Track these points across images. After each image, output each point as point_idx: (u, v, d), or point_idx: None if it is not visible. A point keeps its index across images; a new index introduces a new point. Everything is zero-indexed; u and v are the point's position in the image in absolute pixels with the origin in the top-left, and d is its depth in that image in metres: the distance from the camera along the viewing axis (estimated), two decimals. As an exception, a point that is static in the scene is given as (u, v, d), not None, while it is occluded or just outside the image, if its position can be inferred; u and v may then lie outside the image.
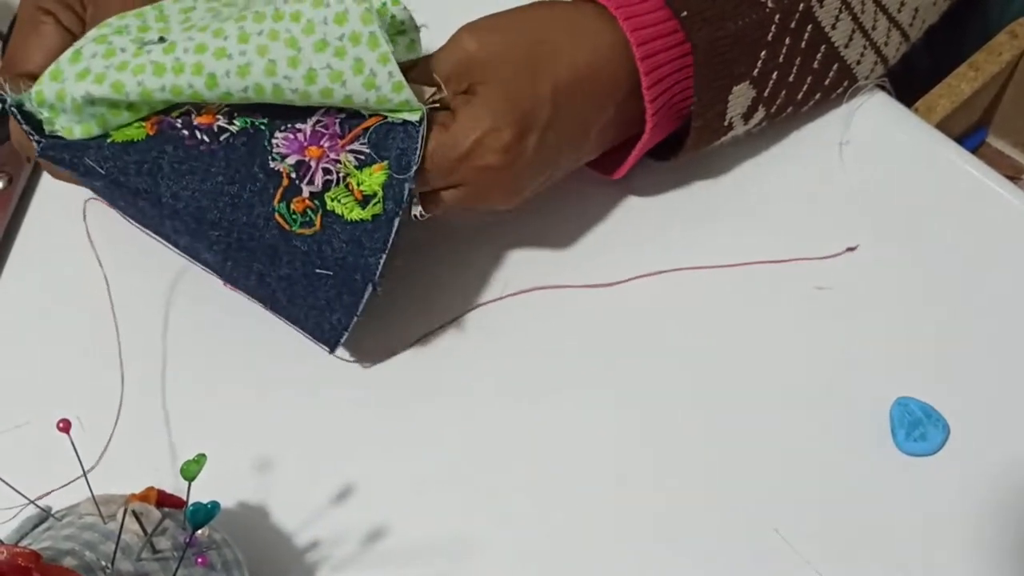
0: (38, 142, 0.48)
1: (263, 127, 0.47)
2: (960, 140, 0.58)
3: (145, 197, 0.47)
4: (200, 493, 0.40)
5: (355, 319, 0.48)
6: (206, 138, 0.47)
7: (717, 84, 0.49)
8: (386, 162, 0.46)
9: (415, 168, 0.45)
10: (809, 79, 0.53)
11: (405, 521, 0.49)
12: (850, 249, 0.53)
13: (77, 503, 0.43)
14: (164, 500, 0.43)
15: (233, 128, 0.47)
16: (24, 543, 0.41)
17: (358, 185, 0.46)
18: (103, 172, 0.47)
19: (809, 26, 0.51)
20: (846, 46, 0.53)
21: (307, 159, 0.46)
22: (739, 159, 0.56)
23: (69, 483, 0.47)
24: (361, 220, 0.46)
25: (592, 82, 0.48)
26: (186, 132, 0.47)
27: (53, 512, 0.43)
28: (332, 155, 0.46)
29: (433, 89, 0.46)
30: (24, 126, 0.48)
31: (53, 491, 0.49)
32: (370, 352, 0.53)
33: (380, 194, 0.46)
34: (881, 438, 0.49)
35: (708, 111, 0.50)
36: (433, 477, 0.50)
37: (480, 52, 0.47)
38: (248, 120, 0.47)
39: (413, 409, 0.52)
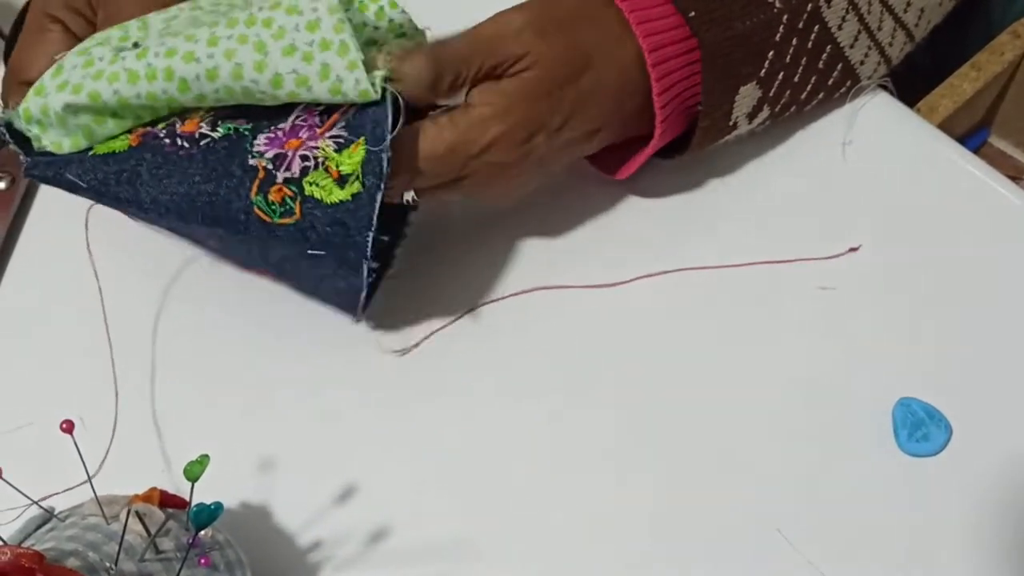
0: (24, 161, 0.48)
1: (246, 132, 0.46)
2: (962, 140, 0.58)
3: (128, 204, 0.47)
4: (203, 494, 0.40)
5: (365, 287, 0.47)
6: (186, 144, 0.46)
7: (724, 84, 0.49)
8: (362, 138, 0.44)
9: (389, 138, 0.44)
10: (813, 79, 0.53)
11: (407, 521, 0.49)
12: (852, 249, 0.53)
13: (80, 504, 0.43)
14: (167, 501, 0.43)
15: (216, 135, 0.46)
16: (28, 544, 0.41)
17: (336, 167, 0.44)
18: (85, 185, 0.47)
19: (816, 26, 0.51)
20: (851, 46, 0.53)
21: (286, 151, 0.45)
22: (741, 159, 0.56)
23: (73, 487, 0.47)
24: (341, 201, 0.44)
25: (610, 98, 0.48)
26: (167, 140, 0.46)
27: (56, 513, 0.43)
28: (311, 143, 0.45)
29: (383, 57, 0.45)
30: (12, 145, 0.48)
31: (57, 494, 0.49)
32: (371, 352, 0.53)
33: (359, 171, 0.44)
34: (883, 438, 0.49)
35: (715, 111, 0.50)
36: (435, 477, 0.50)
37: (524, 44, 0.46)
38: (231, 127, 0.46)
39: (414, 410, 0.52)
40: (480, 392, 0.52)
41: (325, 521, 0.49)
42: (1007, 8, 0.70)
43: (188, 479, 0.39)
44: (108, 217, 0.57)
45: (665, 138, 0.51)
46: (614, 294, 0.54)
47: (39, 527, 0.43)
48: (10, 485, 0.40)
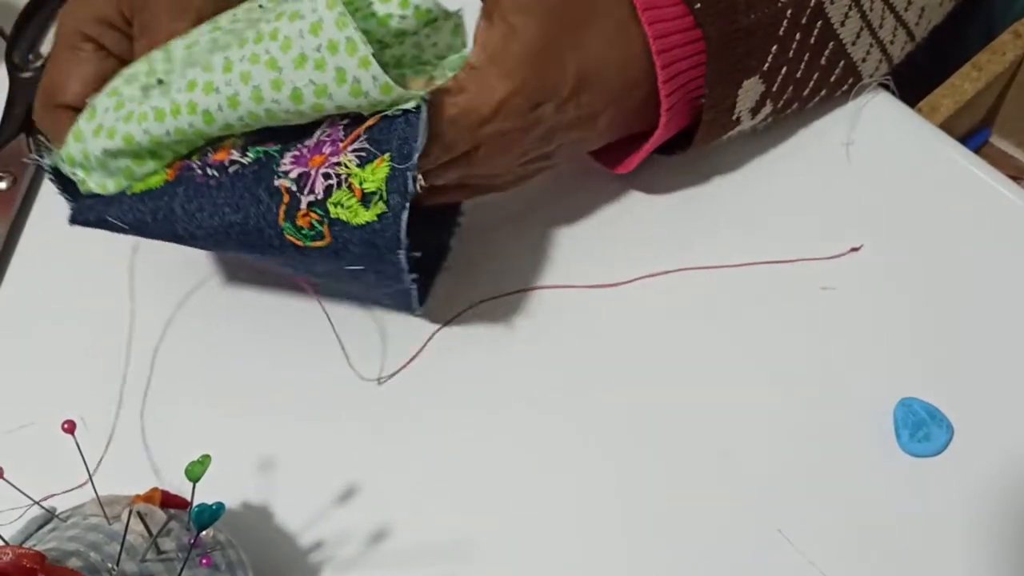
0: (70, 208, 0.48)
1: (275, 153, 0.45)
2: (963, 140, 0.58)
3: (168, 238, 0.47)
4: (204, 494, 0.40)
5: (414, 292, 0.47)
6: (216, 173, 0.46)
7: (728, 77, 0.49)
8: (388, 154, 0.43)
9: (416, 156, 0.43)
10: (816, 75, 0.53)
11: (408, 521, 0.49)
12: (854, 249, 0.53)
13: (82, 504, 0.43)
14: (168, 501, 0.43)
15: (245, 160, 0.46)
16: (29, 544, 0.41)
17: (360, 184, 0.44)
18: (126, 227, 0.47)
19: (819, 22, 0.51)
20: (853, 43, 0.53)
21: (309, 169, 0.45)
22: (742, 159, 0.56)
23: (74, 488, 0.47)
24: (367, 223, 0.44)
25: (611, 72, 0.48)
26: (199, 172, 0.46)
27: (57, 513, 0.43)
28: (333, 159, 0.44)
29: (423, 80, 0.45)
30: (60, 192, 0.48)
31: (58, 494, 0.49)
32: (371, 353, 0.53)
33: (383, 189, 0.43)
34: (885, 439, 0.49)
35: (719, 104, 0.50)
36: (435, 478, 0.50)
37: (513, 13, 0.46)
38: (261, 150, 0.46)
39: (415, 410, 0.52)
40: (480, 392, 0.52)
41: (326, 521, 0.49)
42: (1008, 7, 0.70)
43: (189, 479, 0.39)
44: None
45: (670, 129, 0.51)
46: (614, 294, 0.54)
47: (40, 527, 0.43)
48: (11, 485, 0.40)
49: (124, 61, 0.49)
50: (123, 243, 0.58)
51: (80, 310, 0.56)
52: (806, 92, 0.53)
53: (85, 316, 0.56)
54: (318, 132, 0.45)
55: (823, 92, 0.54)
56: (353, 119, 0.45)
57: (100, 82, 0.49)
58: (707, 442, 0.49)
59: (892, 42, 0.54)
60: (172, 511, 0.42)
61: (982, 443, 0.48)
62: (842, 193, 0.55)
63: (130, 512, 0.41)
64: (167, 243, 0.55)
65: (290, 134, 0.46)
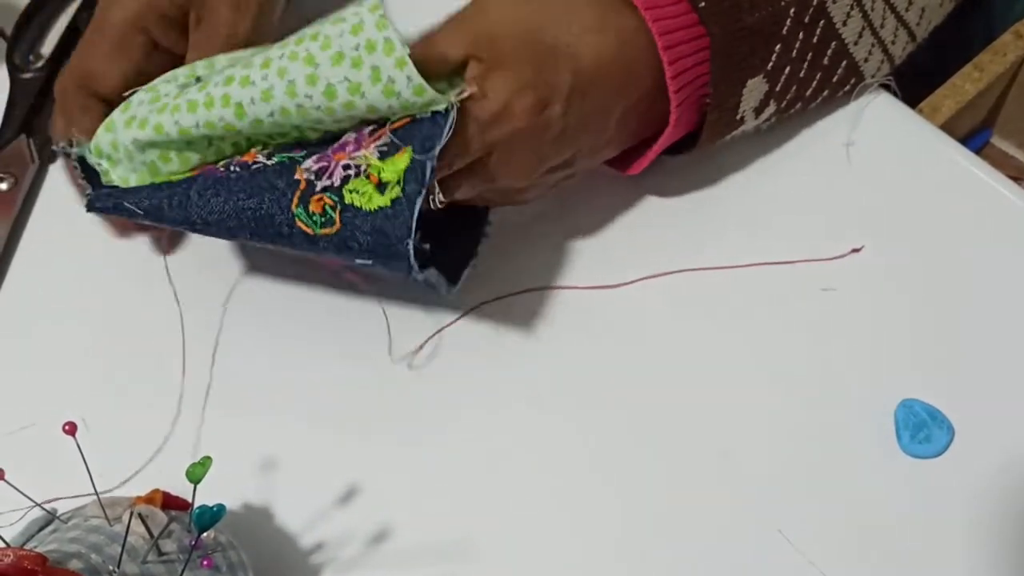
0: (87, 195, 0.49)
1: (300, 158, 0.46)
2: (964, 141, 0.58)
3: (181, 224, 0.47)
4: (205, 496, 0.40)
5: (440, 282, 0.47)
6: (238, 169, 0.46)
7: (732, 76, 0.49)
8: (409, 147, 0.44)
9: (439, 148, 0.43)
10: (818, 75, 0.53)
11: (410, 523, 0.49)
12: (855, 250, 0.53)
13: (83, 505, 0.43)
14: (170, 503, 0.43)
15: (270, 163, 0.46)
16: (30, 546, 0.41)
17: (378, 174, 0.44)
18: (141, 212, 0.48)
19: (822, 21, 0.51)
20: (855, 43, 0.53)
21: (330, 163, 0.45)
22: (743, 160, 0.56)
23: (78, 496, 0.47)
24: (380, 208, 0.44)
25: (615, 70, 0.48)
26: (222, 169, 0.47)
27: (59, 514, 0.43)
28: (355, 154, 0.45)
29: (459, 90, 0.45)
30: (82, 180, 0.49)
31: (61, 498, 0.49)
32: (373, 354, 0.53)
33: (400, 177, 0.44)
34: (886, 440, 0.49)
35: (724, 103, 0.50)
36: (436, 479, 0.50)
37: (501, 25, 0.46)
38: (285, 156, 0.46)
39: (415, 411, 0.52)
40: (481, 392, 0.52)
41: (327, 522, 0.49)
42: (1009, 8, 0.70)
43: (190, 481, 0.39)
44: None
45: (680, 129, 0.51)
46: (615, 295, 0.54)
47: (41, 529, 0.43)
48: (12, 487, 0.40)
49: (172, 56, 0.49)
50: (123, 244, 0.58)
51: (81, 311, 0.56)
52: (809, 92, 0.53)
53: (86, 317, 0.56)
54: (344, 136, 0.46)
55: (825, 92, 0.54)
56: (380, 124, 0.45)
57: (142, 79, 0.49)
58: (708, 442, 0.49)
59: (894, 42, 0.54)
60: (173, 513, 0.43)
61: (983, 444, 0.48)
62: (843, 194, 0.55)
63: (131, 514, 0.41)
64: (167, 243, 0.56)
65: (316, 145, 0.46)
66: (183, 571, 0.40)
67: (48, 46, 0.66)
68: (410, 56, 0.43)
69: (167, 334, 0.55)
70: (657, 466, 0.49)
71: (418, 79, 0.43)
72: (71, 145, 0.49)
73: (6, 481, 0.40)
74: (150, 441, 0.52)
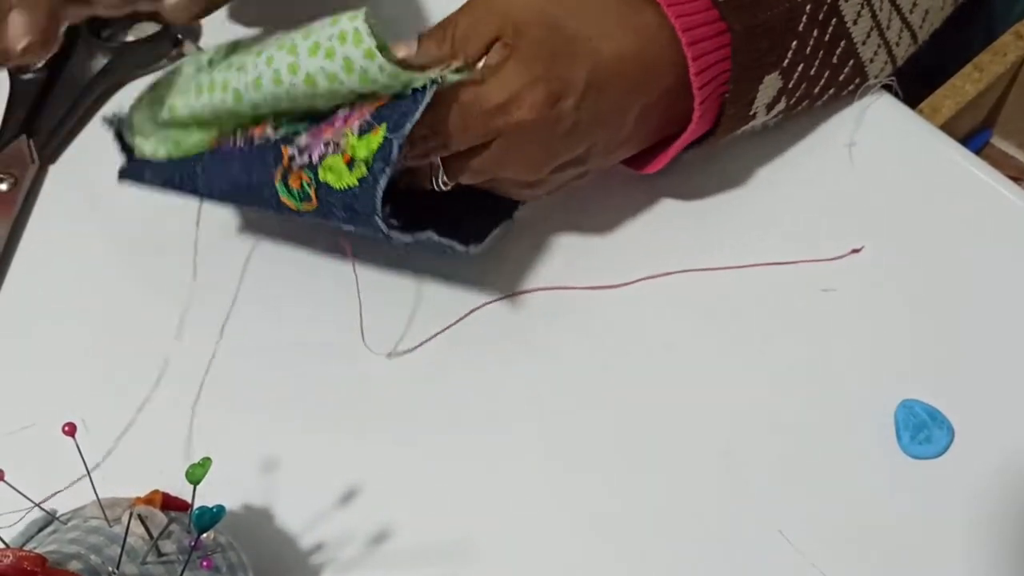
0: (121, 166, 0.53)
1: (302, 130, 0.47)
2: (964, 141, 0.58)
3: (193, 194, 0.51)
4: (205, 496, 0.40)
5: (401, 239, 0.47)
6: (243, 144, 0.48)
7: (751, 72, 0.49)
8: (384, 125, 0.44)
9: (409, 126, 0.44)
10: (827, 73, 0.53)
11: (410, 523, 0.49)
12: (855, 251, 0.53)
13: (82, 506, 0.43)
14: (169, 503, 0.43)
15: (275, 136, 0.47)
16: (29, 547, 0.41)
17: (351, 151, 0.45)
18: (159, 184, 0.51)
19: (834, 19, 0.51)
20: (863, 43, 0.53)
21: (316, 139, 0.46)
22: (744, 161, 0.56)
23: (73, 483, 0.47)
24: (349, 187, 0.45)
25: (635, 67, 0.48)
26: (231, 142, 0.48)
27: (58, 515, 0.43)
28: (339, 130, 0.45)
29: (445, 68, 0.45)
30: (121, 152, 0.53)
31: (58, 492, 0.49)
32: (373, 354, 0.53)
33: (371, 155, 0.44)
34: (885, 440, 0.49)
35: (741, 99, 0.50)
36: (436, 479, 0.50)
37: (527, 11, 0.46)
38: (291, 128, 0.47)
39: (415, 411, 0.52)
40: (482, 393, 0.52)
41: (327, 523, 0.49)
42: (1009, 9, 0.70)
43: (190, 482, 0.39)
44: (120, 218, 0.57)
45: (702, 125, 0.50)
46: (616, 295, 0.54)
47: (41, 530, 0.43)
48: (12, 488, 0.40)
49: None
50: (122, 244, 0.58)
51: (80, 311, 0.56)
52: (816, 90, 0.53)
53: (85, 317, 0.56)
54: (341, 110, 0.46)
55: (831, 91, 0.54)
56: (372, 98, 0.46)
57: None
58: (708, 443, 0.49)
59: (898, 44, 0.54)
60: (173, 513, 0.42)
61: (983, 445, 0.48)
62: (843, 194, 0.55)
63: (131, 514, 0.41)
64: (167, 244, 0.56)
65: (320, 114, 0.47)
66: (183, 572, 0.40)
67: (48, 47, 0.66)
68: (430, 34, 0.45)
69: (167, 334, 0.55)
70: (657, 466, 0.49)
71: (389, 67, 0.43)
72: (112, 122, 0.53)
73: (6, 482, 0.40)
74: (150, 442, 0.52)
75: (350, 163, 0.45)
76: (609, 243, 0.55)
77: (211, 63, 0.49)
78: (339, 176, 0.45)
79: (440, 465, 0.50)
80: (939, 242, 0.53)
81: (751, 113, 0.51)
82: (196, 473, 0.39)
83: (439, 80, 0.44)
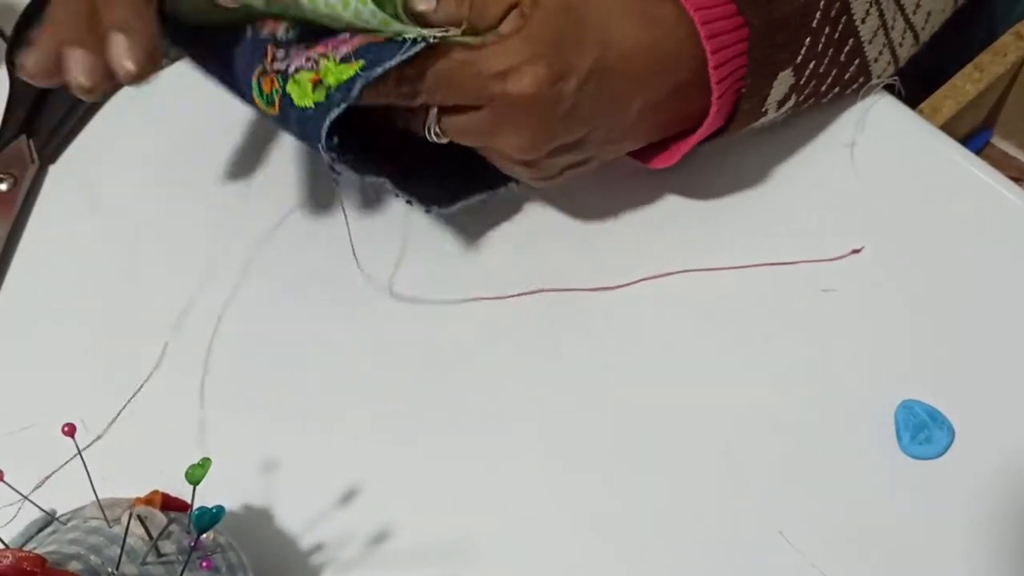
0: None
1: (302, 40, 0.46)
2: (965, 141, 0.58)
3: (204, 68, 0.51)
4: (205, 497, 0.40)
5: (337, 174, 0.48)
6: (249, 33, 0.48)
7: (767, 69, 0.49)
8: (362, 61, 0.44)
9: (379, 71, 0.44)
10: (834, 72, 0.52)
11: (410, 524, 0.49)
12: (855, 251, 0.53)
13: (82, 507, 0.43)
14: (169, 504, 0.43)
15: (280, 36, 0.47)
16: (29, 547, 0.41)
17: (323, 74, 0.44)
18: (187, 54, 0.51)
19: (844, 17, 0.50)
20: (870, 42, 0.52)
21: (302, 52, 0.46)
22: (744, 161, 0.56)
23: (64, 466, 0.47)
24: (305, 107, 0.45)
25: (646, 60, 0.47)
26: (247, 30, 0.48)
27: (58, 516, 0.43)
28: (326, 51, 0.45)
29: (443, 30, 0.45)
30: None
31: (48, 478, 0.49)
32: (371, 355, 0.53)
33: (338, 85, 0.44)
34: (886, 441, 0.49)
35: (756, 94, 0.50)
36: (436, 479, 0.50)
37: None
38: (297, 33, 0.47)
39: (415, 411, 0.52)
40: (481, 393, 0.52)
41: (327, 523, 0.49)
42: (1010, 9, 0.70)
43: (190, 482, 0.39)
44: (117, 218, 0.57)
45: (718, 119, 0.50)
46: (616, 295, 0.54)
47: (40, 530, 0.43)
48: (11, 488, 0.40)
49: None
50: (122, 245, 0.58)
51: (80, 311, 0.56)
52: (824, 88, 0.53)
53: (85, 317, 0.56)
54: (343, 34, 0.46)
55: (836, 89, 0.54)
56: (370, 34, 0.46)
57: None
58: (708, 443, 0.49)
59: (901, 44, 0.54)
60: (172, 514, 0.42)
61: (983, 445, 0.48)
62: (843, 195, 0.55)
63: (130, 515, 0.41)
64: (167, 244, 0.56)
65: (328, 31, 0.47)
66: (182, 572, 0.40)
67: (48, 47, 0.66)
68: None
69: (166, 335, 0.55)
70: (657, 467, 0.49)
71: (380, 14, 0.43)
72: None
73: (5, 482, 0.40)
74: (149, 442, 0.52)
75: (316, 84, 0.44)
76: (609, 243, 0.55)
77: None
78: (303, 94, 0.45)
79: (440, 465, 0.50)
80: (939, 242, 0.53)
81: (763, 110, 0.51)
82: (196, 474, 0.39)
83: (430, 40, 0.44)
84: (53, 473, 0.48)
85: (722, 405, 0.50)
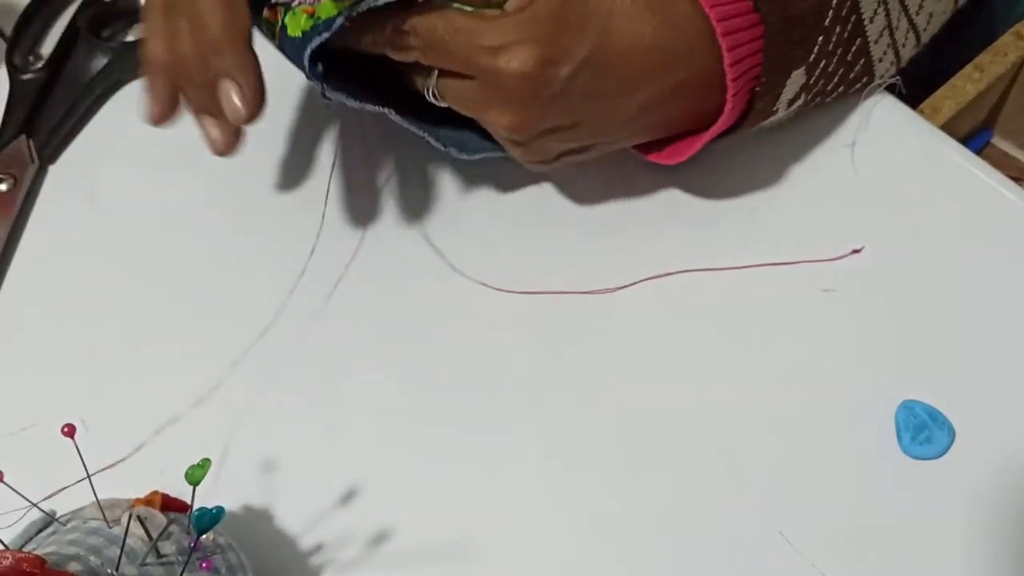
0: None
1: None
2: (965, 141, 0.58)
3: None
4: (205, 498, 0.40)
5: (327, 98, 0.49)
6: None
7: (781, 66, 0.49)
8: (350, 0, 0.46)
9: (359, 11, 0.45)
10: (841, 71, 0.52)
11: (410, 524, 0.49)
12: (855, 251, 0.53)
13: (81, 507, 0.43)
14: (169, 504, 0.43)
15: None
16: (29, 548, 0.41)
17: (317, 8, 0.46)
18: None
19: (853, 16, 0.50)
20: (875, 42, 0.52)
21: None
22: (744, 161, 0.56)
23: (71, 485, 0.47)
24: (294, 36, 0.47)
25: (653, 55, 0.47)
26: None
27: (57, 517, 0.43)
28: None
29: None
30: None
31: (57, 492, 0.49)
32: (370, 356, 0.53)
33: (322, 18, 0.46)
34: (886, 441, 0.49)
35: (770, 93, 0.49)
36: (436, 480, 0.50)
37: None
38: None
39: (415, 412, 0.52)
40: (481, 393, 0.52)
41: (327, 524, 0.49)
42: (1010, 9, 0.70)
43: (190, 483, 0.39)
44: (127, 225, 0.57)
45: (731, 118, 0.50)
46: (616, 296, 0.54)
47: (40, 531, 0.43)
48: (11, 489, 0.40)
49: None
50: (122, 244, 0.58)
51: (80, 311, 0.56)
52: (830, 87, 0.53)
53: (85, 317, 0.56)
54: None
55: (841, 88, 0.53)
56: None
57: None
58: (708, 443, 0.49)
59: (904, 44, 0.54)
60: (172, 515, 0.42)
61: (984, 446, 0.48)
62: (843, 195, 0.55)
63: (130, 516, 0.41)
64: (167, 244, 0.56)
65: None
66: (182, 573, 0.40)
67: (48, 47, 0.66)
68: None
69: (166, 335, 0.55)
70: (657, 467, 0.49)
71: None
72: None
73: (5, 483, 0.39)
74: (149, 443, 0.52)
75: (309, 16, 0.46)
76: (609, 245, 0.55)
77: None
78: (296, 24, 0.47)
79: (440, 465, 0.50)
80: (939, 242, 0.53)
81: (774, 108, 0.51)
82: (195, 474, 0.39)
83: None
84: (64, 488, 0.48)
85: (722, 405, 0.50)
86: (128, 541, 0.40)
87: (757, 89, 0.49)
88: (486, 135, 0.53)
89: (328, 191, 0.58)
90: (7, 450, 0.52)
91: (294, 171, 0.59)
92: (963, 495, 0.47)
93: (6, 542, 0.40)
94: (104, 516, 0.41)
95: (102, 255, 0.58)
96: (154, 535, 0.41)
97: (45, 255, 0.59)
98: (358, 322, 0.54)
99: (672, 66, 0.48)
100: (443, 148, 0.53)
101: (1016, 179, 0.55)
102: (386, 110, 0.50)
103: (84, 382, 0.54)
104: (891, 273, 0.53)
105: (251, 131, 0.58)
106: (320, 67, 0.47)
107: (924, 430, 0.48)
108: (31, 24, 0.67)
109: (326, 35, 0.46)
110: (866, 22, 0.51)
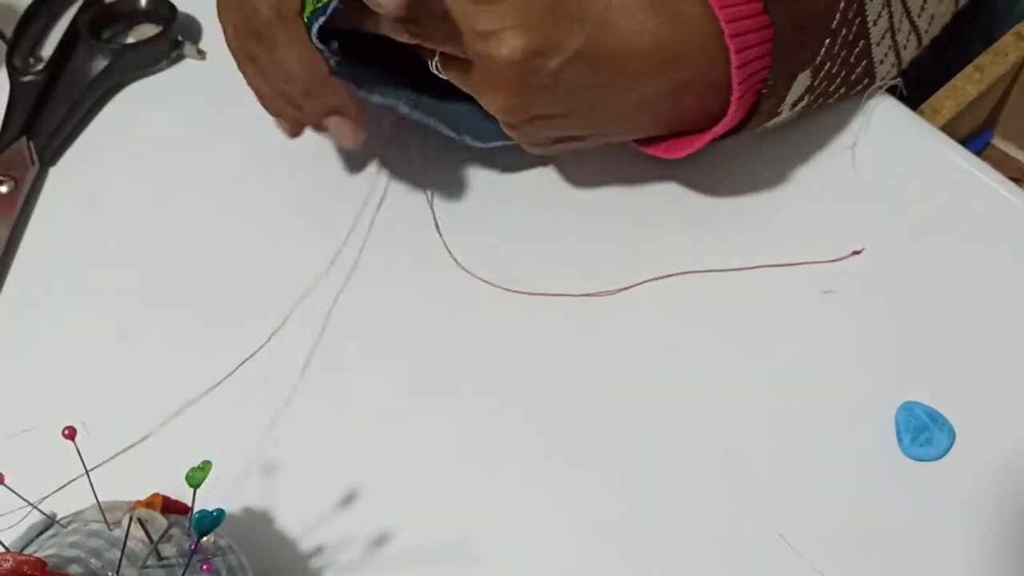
0: None
1: None
2: (965, 142, 0.58)
3: None
4: (205, 500, 0.40)
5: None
6: None
7: (788, 68, 0.49)
8: None
9: None
10: (843, 73, 0.52)
11: (410, 525, 0.49)
12: (856, 252, 0.53)
13: (82, 510, 0.43)
14: (169, 507, 0.43)
15: None
16: (29, 550, 0.41)
17: None
18: None
19: (858, 19, 0.50)
20: (878, 44, 0.52)
21: None
22: (744, 161, 0.56)
23: (68, 483, 0.47)
24: (305, 16, 0.49)
25: (654, 53, 0.47)
26: None
27: (58, 519, 0.43)
28: None
29: None
30: None
31: (55, 492, 0.49)
32: (369, 357, 0.53)
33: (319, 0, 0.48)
34: (886, 443, 0.49)
35: (776, 95, 0.49)
36: (436, 481, 0.50)
37: None
38: None
39: (416, 413, 0.52)
40: (481, 394, 0.52)
41: (327, 526, 0.49)
42: (1010, 10, 0.70)
43: (190, 485, 0.39)
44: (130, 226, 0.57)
45: (735, 118, 0.50)
46: (616, 296, 0.54)
47: (41, 533, 0.43)
48: (12, 491, 0.40)
49: None
50: (122, 246, 0.58)
51: (81, 313, 0.56)
52: (832, 88, 0.53)
53: (86, 319, 0.56)
54: None
55: (843, 90, 0.53)
56: None
57: None
58: (708, 445, 0.49)
59: (905, 47, 0.54)
60: (173, 517, 0.42)
61: (984, 447, 0.48)
62: (843, 196, 0.55)
63: (131, 518, 0.41)
64: (167, 245, 0.56)
65: None
66: (183, 575, 0.40)
67: (48, 49, 0.66)
68: None
69: (166, 336, 0.55)
70: (658, 468, 0.49)
71: None
72: None
73: (5, 485, 0.39)
74: (150, 445, 0.52)
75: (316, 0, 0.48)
76: (609, 246, 0.55)
77: None
78: (309, 4, 0.49)
79: (440, 466, 0.50)
80: (940, 243, 0.53)
81: (779, 110, 0.51)
82: (196, 476, 0.39)
83: None
84: (64, 485, 0.48)
85: (723, 406, 0.50)
86: (129, 543, 0.40)
87: (763, 91, 0.49)
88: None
89: (331, 191, 0.58)
90: (7, 452, 0.52)
91: (294, 171, 0.59)
92: (963, 496, 0.47)
93: (7, 544, 0.40)
94: (105, 518, 0.41)
95: (102, 256, 0.58)
96: (155, 537, 0.41)
97: (46, 257, 0.59)
98: (358, 323, 0.54)
99: (674, 65, 0.48)
100: (457, 136, 0.54)
101: (1016, 180, 0.55)
102: (397, 103, 0.50)
103: (84, 384, 0.54)
104: (891, 274, 0.53)
105: (251, 131, 0.59)
106: (336, 44, 0.49)
107: (924, 431, 0.48)
108: (31, 26, 0.67)
109: (323, 19, 0.47)
110: (870, 24, 0.51)
